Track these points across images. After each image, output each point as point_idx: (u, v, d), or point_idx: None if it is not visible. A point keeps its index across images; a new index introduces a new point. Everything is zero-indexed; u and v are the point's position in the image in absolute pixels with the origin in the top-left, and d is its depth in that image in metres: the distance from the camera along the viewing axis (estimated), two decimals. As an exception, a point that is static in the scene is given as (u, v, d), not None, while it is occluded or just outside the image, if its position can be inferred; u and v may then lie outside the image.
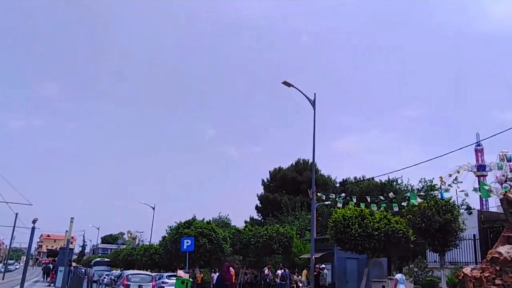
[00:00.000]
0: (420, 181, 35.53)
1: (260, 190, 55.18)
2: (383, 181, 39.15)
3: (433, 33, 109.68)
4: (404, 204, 25.92)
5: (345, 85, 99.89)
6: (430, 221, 12.52)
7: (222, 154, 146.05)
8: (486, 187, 21.14)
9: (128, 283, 20.23)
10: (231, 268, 15.17)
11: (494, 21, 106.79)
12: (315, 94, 18.22)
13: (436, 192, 33.17)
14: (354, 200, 22.62)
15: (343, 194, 28.97)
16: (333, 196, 19.68)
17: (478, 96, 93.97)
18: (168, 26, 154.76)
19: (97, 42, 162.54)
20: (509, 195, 19.24)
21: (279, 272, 23.04)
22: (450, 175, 38.78)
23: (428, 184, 34.37)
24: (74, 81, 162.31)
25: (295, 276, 26.15)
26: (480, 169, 62.32)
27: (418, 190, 32.36)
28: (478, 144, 57.96)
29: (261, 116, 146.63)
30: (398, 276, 14.77)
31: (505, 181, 19.38)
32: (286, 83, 17.57)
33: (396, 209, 17.88)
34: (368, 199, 26.13)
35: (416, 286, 20.78)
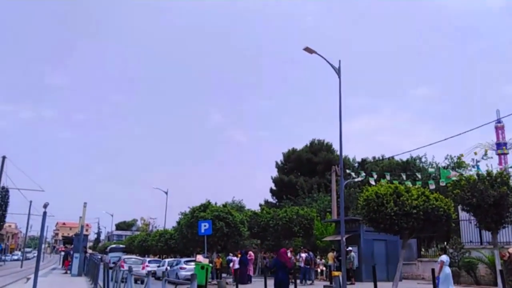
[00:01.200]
0: (446, 158, 33.83)
1: (274, 173, 53.84)
2: (404, 160, 37.61)
3: (448, 10, 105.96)
4: (431, 182, 24.46)
5: (355, 66, 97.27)
6: (482, 195, 10.98)
7: (230, 139, 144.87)
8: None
9: (124, 264, 26.80)
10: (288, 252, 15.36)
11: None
12: (340, 61, 16.60)
13: (462, 170, 31.52)
14: (375, 176, 20.97)
15: (364, 174, 27.58)
16: (362, 174, 18.06)
17: (494, 73, 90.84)
18: (171, 7, 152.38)
19: (101, 30, 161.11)
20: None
21: (303, 255, 21.74)
22: (475, 153, 36.91)
23: (455, 161, 32.62)
24: (82, 71, 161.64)
25: (317, 260, 24.86)
26: (501, 146, 60.19)
27: (445, 168, 30.68)
28: (499, 121, 55.73)
29: (270, 100, 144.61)
30: (444, 257, 13.29)
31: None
32: (308, 49, 15.96)
33: (432, 186, 16.28)
34: (388, 177, 24.70)
35: (453, 268, 19.31)
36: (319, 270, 24.41)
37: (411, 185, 15.38)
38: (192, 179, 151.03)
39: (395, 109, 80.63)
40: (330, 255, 22.71)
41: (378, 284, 18.60)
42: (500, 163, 53.75)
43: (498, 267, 11.42)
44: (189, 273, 19.33)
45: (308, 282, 21.67)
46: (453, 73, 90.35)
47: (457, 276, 19.47)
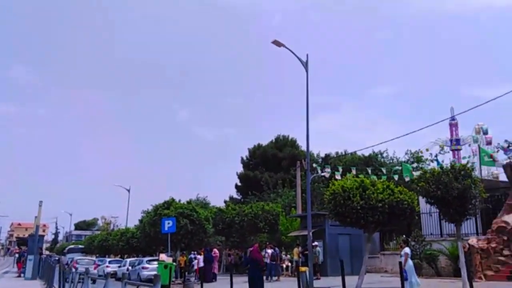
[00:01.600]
0: (406, 153, 34.73)
1: (240, 169, 53.54)
2: (366, 155, 38.28)
3: (408, 11, 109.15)
4: (395, 176, 25.06)
5: (318, 64, 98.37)
6: (447, 188, 11.07)
7: (195, 136, 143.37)
8: (489, 155, 20.03)
9: (77, 265, 28.10)
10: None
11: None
12: (307, 55, 16.44)
13: (421, 164, 32.47)
14: (340, 170, 21.01)
15: (329, 170, 27.80)
16: (328, 168, 18.00)
17: (450, 72, 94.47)
18: (139, 3, 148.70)
19: (69, 23, 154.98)
20: (512, 161, 18.33)
21: (269, 251, 21.54)
22: (427, 150, 38.55)
23: (415, 155, 33.53)
24: (41, 65, 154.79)
25: (283, 255, 24.76)
26: (455, 142, 62.60)
27: (406, 162, 31.46)
28: (453, 118, 57.93)
29: (236, 97, 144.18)
30: (407, 250, 13.40)
31: (508, 148, 18.31)
32: (277, 43, 15.70)
33: (407, 179, 16.42)
34: (354, 171, 24.97)
35: (415, 261, 19.66)
36: (284, 265, 24.31)
37: (376, 179, 15.41)
38: (156, 176, 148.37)
39: (356, 107, 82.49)
40: (295, 250, 22.65)
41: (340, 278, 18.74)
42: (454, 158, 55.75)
43: (462, 259, 11.58)
44: (152, 273, 18.70)
45: (274, 278, 21.50)
46: (412, 72, 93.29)
47: (419, 268, 19.82)
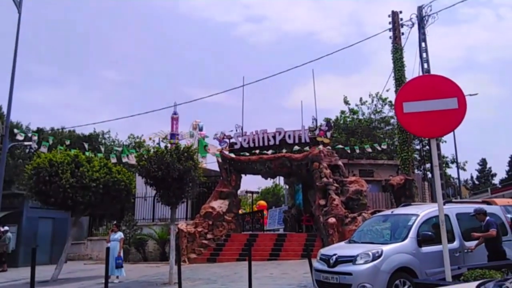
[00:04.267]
0: (129, 137, 34.07)
1: None
2: (86, 134, 35.59)
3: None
4: (113, 156, 23.71)
5: (44, 31, 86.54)
6: (168, 168, 10.47)
7: None
8: (204, 145, 21.18)
9: None
10: None
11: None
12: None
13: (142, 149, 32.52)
14: (50, 142, 17.53)
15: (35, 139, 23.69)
16: (34, 137, 14.68)
17: (174, 71, 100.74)
18: None
19: None
20: (225, 152, 19.90)
21: None
22: (150, 138, 39.65)
23: (137, 140, 33.20)
24: None
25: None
26: (173, 136, 66.62)
27: (128, 146, 30.63)
28: (175, 112, 61.77)
29: None
30: (121, 234, 12.16)
31: (223, 139, 19.76)
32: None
33: (114, 160, 15.04)
34: (67, 143, 22.07)
35: (124, 246, 18.71)
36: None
37: (93, 156, 13.58)
38: None
39: (83, 87, 77.07)
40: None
41: (39, 268, 15.80)
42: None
43: (173, 242, 11.22)
44: None
45: None
46: (141, 62, 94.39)
47: (127, 254, 19.07)
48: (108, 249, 9.09)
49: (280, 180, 52.63)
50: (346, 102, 29.41)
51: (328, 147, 17.99)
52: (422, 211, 7.49)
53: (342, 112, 29.58)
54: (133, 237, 19.02)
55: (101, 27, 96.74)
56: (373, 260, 6.72)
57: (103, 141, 34.81)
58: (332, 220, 15.40)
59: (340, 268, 7.02)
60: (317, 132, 18.20)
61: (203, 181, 12.68)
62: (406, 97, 5.84)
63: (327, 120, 18.62)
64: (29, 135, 15.29)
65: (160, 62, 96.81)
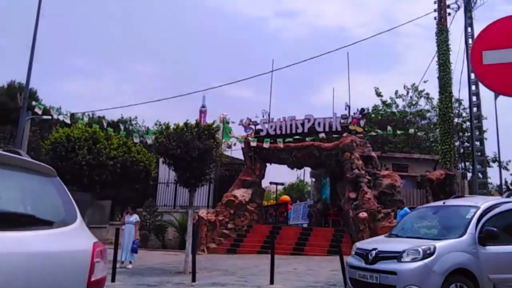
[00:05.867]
0: (155, 124, 33.70)
1: None
2: (114, 120, 35.60)
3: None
4: (136, 135, 23.66)
5: (76, 25, 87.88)
6: (187, 146, 9.58)
7: None
8: (229, 131, 20.27)
9: None
10: None
11: None
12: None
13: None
14: (68, 114, 16.58)
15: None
16: (53, 111, 13.98)
17: (203, 66, 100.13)
18: None
19: None
20: (250, 139, 18.95)
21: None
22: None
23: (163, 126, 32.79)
24: None
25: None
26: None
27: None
28: (203, 106, 61.78)
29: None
30: (137, 217, 11.41)
31: (248, 125, 18.79)
32: None
33: (136, 139, 14.27)
34: (86, 120, 21.50)
35: (143, 232, 18.12)
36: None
37: (113, 133, 12.88)
38: None
39: (118, 80, 78.20)
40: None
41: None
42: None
43: (190, 229, 10.37)
44: None
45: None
46: (172, 55, 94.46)
47: (146, 240, 18.47)
48: (118, 230, 8.28)
49: (305, 176, 51.31)
50: (378, 94, 27.93)
51: (361, 136, 16.76)
52: (483, 203, 6.27)
53: (375, 106, 28.12)
54: (153, 223, 18.36)
55: (133, 22, 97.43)
56: (423, 258, 5.58)
57: (130, 127, 34.59)
58: (363, 214, 14.22)
59: (381, 265, 5.92)
60: (349, 120, 16.98)
61: (224, 162, 11.72)
62: (487, 44, 4.66)
63: (361, 109, 17.24)
64: (48, 107, 14.59)
65: (190, 57, 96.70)
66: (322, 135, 16.68)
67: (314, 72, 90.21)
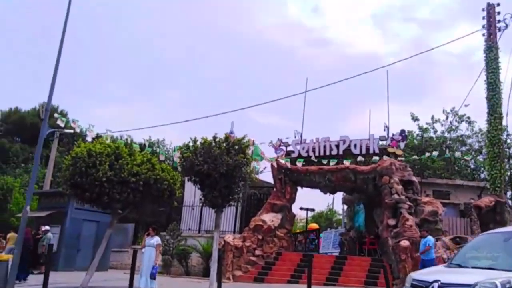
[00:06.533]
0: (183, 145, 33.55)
1: (-19, 133, 42.47)
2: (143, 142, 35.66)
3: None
4: (162, 152, 23.47)
5: (111, 51, 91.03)
6: (215, 162, 8.79)
7: None
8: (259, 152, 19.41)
9: None
10: None
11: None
12: None
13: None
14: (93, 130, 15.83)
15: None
16: (75, 124, 13.46)
17: (234, 94, 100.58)
18: None
19: None
20: (281, 160, 18.02)
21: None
22: None
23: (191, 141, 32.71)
24: None
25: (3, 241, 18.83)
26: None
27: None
28: (231, 132, 61.96)
29: None
30: (159, 239, 10.57)
31: (279, 146, 17.92)
32: None
33: (162, 157, 13.64)
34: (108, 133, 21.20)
35: (166, 257, 17.25)
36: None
37: (138, 149, 12.24)
38: None
39: (148, 105, 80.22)
40: (12, 235, 16.92)
41: (78, 273, 14.77)
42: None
43: (215, 254, 9.42)
44: None
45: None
46: (202, 83, 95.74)
47: (168, 266, 17.57)
48: (135, 253, 7.43)
49: (335, 205, 49.37)
50: (415, 119, 26.64)
51: (401, 159, 15.58)
52: None
53: (409, 132, 26.83)
54: (176, 247, 17.47)
55: (164, 49, 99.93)
56: (502, 293, 4.47)
57: (157, 149, 34.46)
58: (405, 243, 12.89)
59: (448, 300, 4.82)
60: (388, 142, 15.86)
61: (254, 181, 10.79)
62: None
63: (401, 130, 16.11)
64: (70, 120, 14.17)
65: (220, 83, 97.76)
66: (360, 158, 15.56)
67: (345, 99, 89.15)
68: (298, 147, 17.29)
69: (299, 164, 15.69)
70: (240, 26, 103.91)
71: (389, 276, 12.48)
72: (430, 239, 11.89)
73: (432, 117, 26.68)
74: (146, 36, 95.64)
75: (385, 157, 15.30)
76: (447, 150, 23.51)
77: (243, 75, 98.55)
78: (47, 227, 16.59)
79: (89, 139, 12.69)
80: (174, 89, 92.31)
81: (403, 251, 12.87)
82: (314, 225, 33.90)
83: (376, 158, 15.46)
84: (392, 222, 14.30)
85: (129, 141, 14.79)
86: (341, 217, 45.54)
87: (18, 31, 76.54)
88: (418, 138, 26.63)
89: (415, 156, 16.70)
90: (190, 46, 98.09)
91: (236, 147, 9.26)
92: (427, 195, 17.41)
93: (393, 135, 16.06)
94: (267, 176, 20.05)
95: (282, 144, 17.56)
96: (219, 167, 8.81)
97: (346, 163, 15.60)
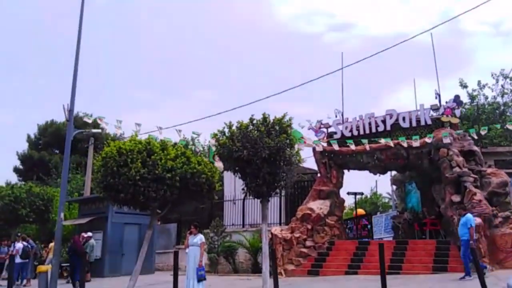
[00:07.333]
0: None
1: (23, 148, 43.49)
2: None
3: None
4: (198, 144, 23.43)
5: (139, 59, 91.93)
6: (255, 146, 7.73)
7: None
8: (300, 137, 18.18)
9: None
10: None
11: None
12: None
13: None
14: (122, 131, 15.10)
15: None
16: (103, 122, 12.65)
17: (261, 87, 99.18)
18: None
19: None
20: (323, 143, 16.78)
21: (19, 245, 15.31)
22: None
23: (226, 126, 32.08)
24: None
25: (44, 251, 18.60)
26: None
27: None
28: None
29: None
30: (202, 237, 9.65)
31: (320, 128, 16.65)
32: None
33: (198, 149, 12.70)
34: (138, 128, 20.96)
35: (212, 255, 16.45)
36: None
37: (169, 142, 11.36)
38: None
39: (179, 107, 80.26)
40: (52, 245, 16.54)
41: (124, 278, 14.24)
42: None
43: (266, 248, 8.40)
44: None
45: (24, 281, 15.49)
46: (229, 81, 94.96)
47: (216, 264, 16.77)
48: (176, 254, 6.51)
49: (379, 188, 47.26)
50: (464, 86, 24.60)
51: (458, 129, 13.99)
52: None
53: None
54: (222, 244, 16.62)
55: (187, 47, 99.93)
56: None
57: (193, 147, 33.94)
58: (476, 220, 11.39)
59: None
60: (441, 111, 14.28)
61: (303, 161, 9.66)
62: None
63: (456, 95, 14.50)
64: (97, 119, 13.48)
65: (247, 79, 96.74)
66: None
67: (375, 80, 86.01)
68: (340, 127, 15.98)
69: (349, 145, 14.37)
70: (260, 20, 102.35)
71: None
72: (470, 217, 10.71)
73: (479, 83, 24.57)
74: (163, 36, 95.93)
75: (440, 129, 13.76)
76: (503, 116, 21.51)
77: (270, 70, 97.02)
78: (90, 234, 16.15)
79: (118, 131, 11.91)
80: (205, 89, 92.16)
81: (475, 229, 11.39)
82: (361, 211, 32.38)
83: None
84: (456, 198, 12.80)
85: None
86: (387, 200, 43.58)
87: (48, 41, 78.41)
88: (467, 106, 24.61)
89: (473, 128, 15.00)
90: (212, 41, 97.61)
91: (277, 127, 8.16)
92: (489, 166, 15.69)
93: (446, 102, 14.46)
94: (307, 162, 18.77)
95: (322, 126, 16.28)
96: (260, 151, 7.75)
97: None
